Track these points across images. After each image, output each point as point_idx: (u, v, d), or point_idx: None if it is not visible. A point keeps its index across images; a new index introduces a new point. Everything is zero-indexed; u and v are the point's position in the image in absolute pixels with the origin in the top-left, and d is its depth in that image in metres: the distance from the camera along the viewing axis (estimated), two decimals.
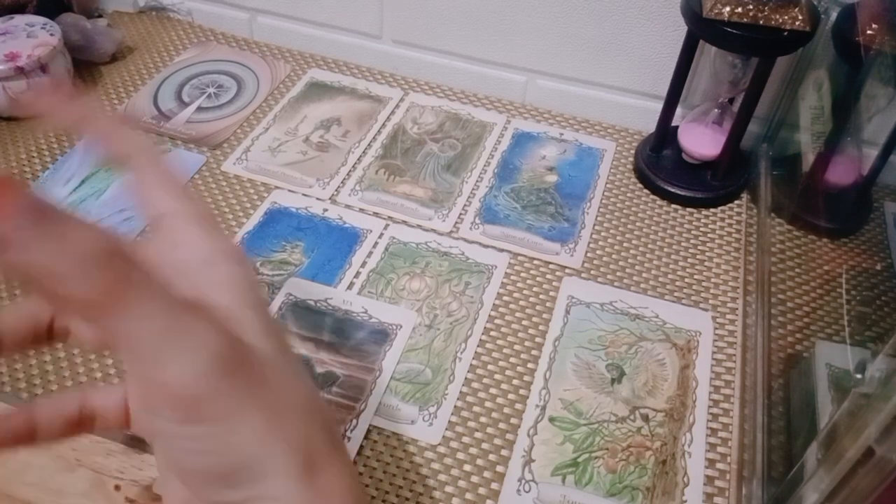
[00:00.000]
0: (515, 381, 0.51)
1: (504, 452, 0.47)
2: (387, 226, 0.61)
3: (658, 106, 0.66)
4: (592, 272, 0.59)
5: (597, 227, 0.62)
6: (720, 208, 0.65)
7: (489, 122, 0.72)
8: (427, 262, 0.58)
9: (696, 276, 0.59)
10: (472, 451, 0.47)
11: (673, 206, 0.65)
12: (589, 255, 0.60)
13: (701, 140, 0.64)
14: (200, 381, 0.20)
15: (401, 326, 0.54)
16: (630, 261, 0.60)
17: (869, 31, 0.52)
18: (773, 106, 0.67)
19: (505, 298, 0.56)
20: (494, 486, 0.45)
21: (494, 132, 0.71)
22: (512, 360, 0.52)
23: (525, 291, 0.57)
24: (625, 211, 0.64)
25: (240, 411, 0.21)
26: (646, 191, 0.66)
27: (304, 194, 0.64)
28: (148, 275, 0.19)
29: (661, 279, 0.58)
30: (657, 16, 0.66)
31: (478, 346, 0.53)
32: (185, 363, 0.19)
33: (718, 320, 0.56)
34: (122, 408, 0.28)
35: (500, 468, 0.46)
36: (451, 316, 0.55)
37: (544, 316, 0.55)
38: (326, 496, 0.22)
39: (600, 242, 0.61)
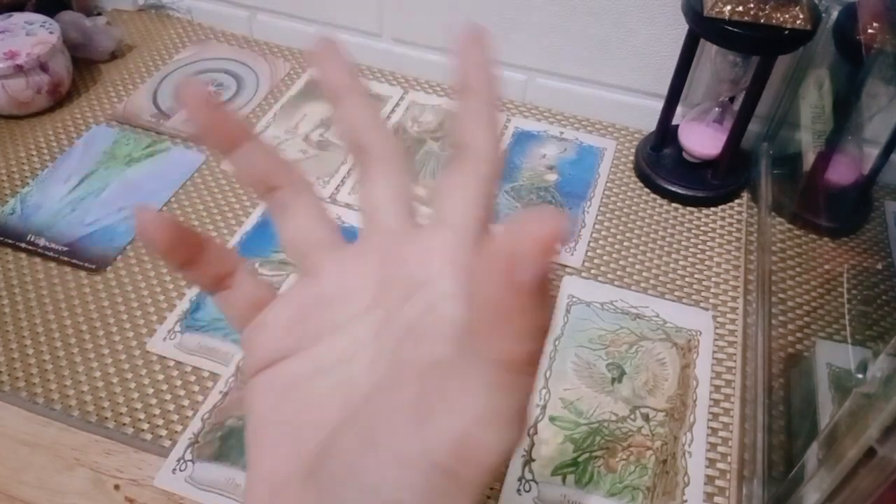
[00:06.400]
0: None
1: None
2: None
3: (658, 105, 0.65)
4: (593, 271, 0.59)
5: (597, 227, 0.62)
6: (721, 207, 0.65)
7: None
8: None
9: (696, 276, 0.59)
10: None
11: (673, 205, 0.65)
12: (589, 254, 0.60)
13: (701, 139, 0.64)
14: None
15: None
16: (630, 260, 0.60)
17: (870, 30, 0.52)
18: (773, 105, 0.67)
19: None
20: (494, 485, 0.45)
21: None
22: None
23: None
24: (625, 210, 0.64)
25: None
26: (646, 190, 0.66)
27: None
28: None
29: (661, 278, 0.58)
30: (658, 14, 0.66)
31: None
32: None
33: (719, 319, 0.55)
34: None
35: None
36: None
37: None
38: None
39: (600, 241, 0.61)
